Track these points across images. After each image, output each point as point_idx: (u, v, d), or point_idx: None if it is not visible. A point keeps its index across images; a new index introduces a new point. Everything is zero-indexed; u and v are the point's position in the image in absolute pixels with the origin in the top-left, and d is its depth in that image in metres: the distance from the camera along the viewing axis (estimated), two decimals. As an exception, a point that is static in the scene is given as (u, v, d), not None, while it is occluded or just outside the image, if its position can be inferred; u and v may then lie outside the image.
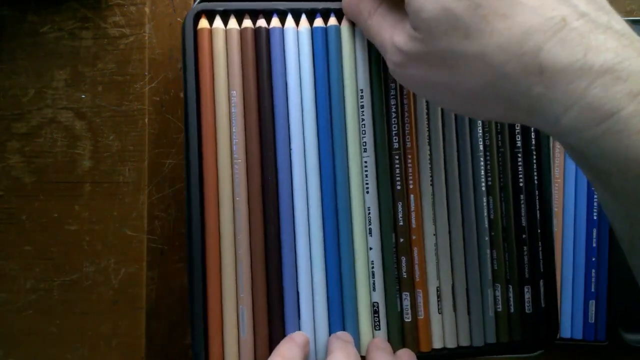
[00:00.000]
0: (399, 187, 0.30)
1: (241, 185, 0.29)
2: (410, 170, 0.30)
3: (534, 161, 0.31)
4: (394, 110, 0.30)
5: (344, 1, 0.28)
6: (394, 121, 0.30)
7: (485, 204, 0.31)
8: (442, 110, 0.31)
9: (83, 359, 0.33)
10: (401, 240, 0.30)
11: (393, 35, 0.24)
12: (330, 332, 0.29)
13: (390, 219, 0.30)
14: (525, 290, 0.31)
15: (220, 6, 0.29)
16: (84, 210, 0.34)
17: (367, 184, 0.30)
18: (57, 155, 0.34)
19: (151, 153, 0.34)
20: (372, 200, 0.30)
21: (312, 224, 0.29)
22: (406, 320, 0.30)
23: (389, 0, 0.25)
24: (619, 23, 0.20)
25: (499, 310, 0.31)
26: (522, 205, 0.31)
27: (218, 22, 0.29)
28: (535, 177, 0.32)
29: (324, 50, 0.30)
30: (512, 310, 0.31)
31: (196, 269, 0.28)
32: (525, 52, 0.19)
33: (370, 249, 0.29)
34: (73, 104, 0.34)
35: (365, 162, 0.30)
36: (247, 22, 0.30)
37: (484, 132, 0.31)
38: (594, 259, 0.34)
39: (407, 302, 0.30)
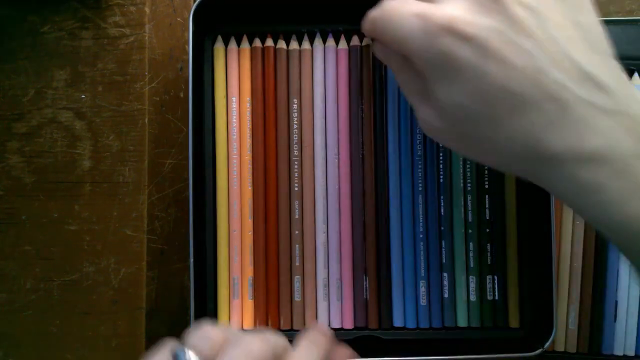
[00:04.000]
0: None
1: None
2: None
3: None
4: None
5: (373, 49, 0.30)
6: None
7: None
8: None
9: (83, 359, 0.33)
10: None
11: (420, 107, 0.25)
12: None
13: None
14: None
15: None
16: (84, 210, 0.34)
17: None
18: (57, 155, 0.34)
19: (151, 153, 0.34)
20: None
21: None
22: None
23: (408, 68, 0.26)
24: (616, 101, 0.21)
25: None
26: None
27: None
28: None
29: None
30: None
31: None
32: (527, 141, 0.22)
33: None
34: (73, 104, 0.34)
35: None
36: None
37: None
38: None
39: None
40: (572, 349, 0.33)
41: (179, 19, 0.36)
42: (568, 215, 0.33)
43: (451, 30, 0.22)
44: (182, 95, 0.36)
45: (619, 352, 0.33)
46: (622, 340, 0.33)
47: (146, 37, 0.34)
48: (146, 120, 0.34)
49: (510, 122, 0.22)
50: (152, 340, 0.34)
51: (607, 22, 0.35)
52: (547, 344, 0.30)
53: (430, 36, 0.22)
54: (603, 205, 0.21)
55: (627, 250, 0.22)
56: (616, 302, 0.33)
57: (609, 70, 0.22)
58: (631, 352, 0.33)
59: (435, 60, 0.23)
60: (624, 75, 0.22)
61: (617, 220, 0.21)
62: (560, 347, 0.33)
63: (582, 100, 0.21)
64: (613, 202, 0.21)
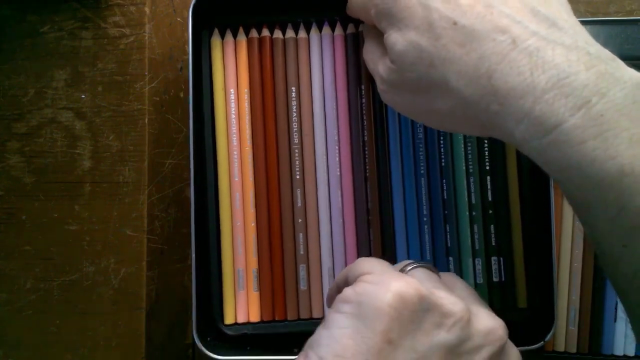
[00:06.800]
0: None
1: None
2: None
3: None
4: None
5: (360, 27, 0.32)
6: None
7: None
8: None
9: (83, 359, 0.33)
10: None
11: (378, 66, 0.26)
12: None
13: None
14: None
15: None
16: (84, 210, 0.34)
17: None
18: (57, 155, 0.34)
19: (151, 153, 0.34)
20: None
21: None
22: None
23: (374, 35, 0.27)
24: (571, 37, 0.21)
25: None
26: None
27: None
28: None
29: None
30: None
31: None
32: (480, 75, 0.21)
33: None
34: (73, 104, 0.34)
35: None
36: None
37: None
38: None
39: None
40: (572, 349, 0.33)
41: (178, 19, 0.36)
42: (568, 216, 0.33)
43: None
44: (182, 95, 0.36)
45: (619, 352, 0.33)
46: (622, 341, 0.33)
47: (146, 37, 0.34)
48: (146, 120, 0.34)
49: (461, 57, 0.22)
50: (152, 340, 0.34)
51: (607, 22, 0.36)
52: (549, 336, 0.30)
53: None
54: (559, 145, 0.20)
55: (573, 194, 0.21)
56: (616, 302, 0.33)
57: (565, 16, 0.22)
58: (631, 352, 0.33)
59: (386, 4, 0.24)
60: (582, 27, 0.22)
61: (573, 161, 0.20)
62: (560, 347, 0.33)
63: (534, 33, 0.21)
64: (570, 142, 0.20)
